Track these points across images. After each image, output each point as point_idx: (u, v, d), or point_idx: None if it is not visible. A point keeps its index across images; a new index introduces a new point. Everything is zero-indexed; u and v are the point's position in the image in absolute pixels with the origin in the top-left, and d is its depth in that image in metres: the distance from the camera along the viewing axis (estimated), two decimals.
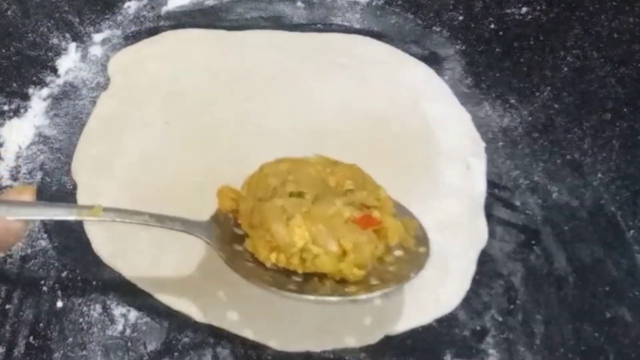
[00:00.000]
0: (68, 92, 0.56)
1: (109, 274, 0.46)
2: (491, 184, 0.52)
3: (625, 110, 0.56)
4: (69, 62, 0.59)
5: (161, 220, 0.40)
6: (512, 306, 0.45)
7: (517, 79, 0.58)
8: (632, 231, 0.49)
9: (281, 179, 0.42)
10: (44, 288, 0.45)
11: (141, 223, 0.40)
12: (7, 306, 0.44)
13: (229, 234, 0.41)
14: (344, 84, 0.54)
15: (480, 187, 0.51)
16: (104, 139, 0.53)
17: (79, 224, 0.48)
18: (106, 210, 0.39)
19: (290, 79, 0.54)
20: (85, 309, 0.44)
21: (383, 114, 0.53)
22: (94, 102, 0.55)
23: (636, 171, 0.52)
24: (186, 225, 0.41)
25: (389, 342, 0.44)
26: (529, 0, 0.64)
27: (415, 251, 0.42)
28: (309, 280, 0.39)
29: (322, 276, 0.39)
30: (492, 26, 0.62)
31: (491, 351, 0.44)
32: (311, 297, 0.38)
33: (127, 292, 0.45)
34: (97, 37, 0.61)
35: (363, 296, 0.38)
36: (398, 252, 0.42)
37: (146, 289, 0.45)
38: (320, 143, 0.50)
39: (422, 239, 0.42)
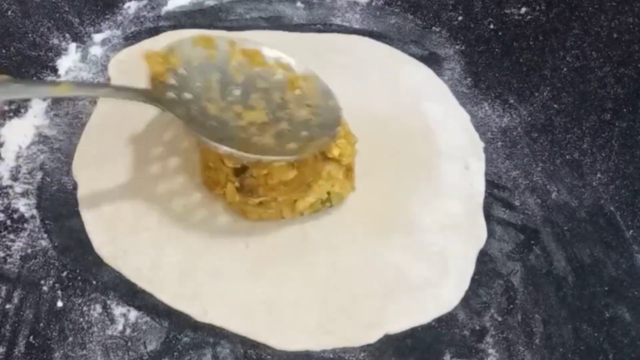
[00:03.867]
0: None
1: (109, 274, 0.46)
2: (490, 184, 0.52)
3: (625, 110, 0.56)
4: (69, 62, 0.59)
5: (119, 90, 0.44)
6: (511, 306, 0.46)
7: (517, 79, 0.58)
8: (631, 231, 0.49)
9: None
10: (44, 288, 0.45)
11: (105, 96, 0.44)
12: (7, 306, 0.44)
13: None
14: (344, 84, 0.54)
15: (479, 187, 0.51)
16: (104, 139, 0.53)
17: (79, 224, 0.48)
18: (76, 85, 0.42)
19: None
20: (85, 309, 0.44)
21: (383, 114, 0.53)
22: (94, 102, 0.55)
23: (636, 171, 0.53)
24: (142, 94, 0.44)
25: (389, 342, 0.44)
26: (529, 0, 0.64)
27: (324, 105, 0.46)
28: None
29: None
30: (492, 26, 0.62)
31: (491, 351, 0.44)
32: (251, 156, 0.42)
33: (127, 292, 0.45)
34: (97, 37, 0.61)
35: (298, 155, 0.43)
36: (304, 112, 0.46)
37: (146, 289, 0.45)
38: None
39: (327, 92, 0.47)
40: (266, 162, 0.44)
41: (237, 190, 0.46)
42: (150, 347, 0.43)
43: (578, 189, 0.52)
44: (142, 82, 0.56)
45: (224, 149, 0.42)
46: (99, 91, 0.44)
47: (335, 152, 0.48)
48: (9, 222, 0.48)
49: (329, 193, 0.47)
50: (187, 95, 0.45)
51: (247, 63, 0.47)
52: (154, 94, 0.44)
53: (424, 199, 0.50)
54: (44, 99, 0.47)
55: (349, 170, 0.49)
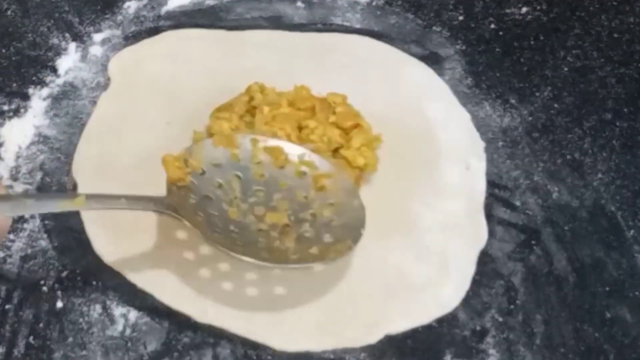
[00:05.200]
0: (68, 92, 0.56)
1: (109, 274, 0.46)
2: (491, 184, 0.52)
3: (625, 110, 0.56)
4: (69, 62, 0.58)
5: (134, 200, 0.42)
6: (512, 306, 0.45)
7: (517, 79, 0.58)
8: (632, 231, 0.49)
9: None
10: (44, 288, 0.45)
11: (121, 208, 0.41)
12: (7, 306, 0.44)
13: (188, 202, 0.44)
14: (344, 84, 0.54)
15: (480, 187, 0.51)
16: (104, 139, 0.53)
17: (79, 224, 0.48)
18: (88, 198, 0.40)
19: (290, 79, 0.54)
20: (85, 309, 0.44)
21: (383, 114, 0.53)
22: (94, 102, 0.55)
23: (636, 171, 0.53)
24: (159, 203, 0.42)
25: (389, 342, 0.44)
26: (529, 0, 0.64)
27: (349, 204, 0.45)
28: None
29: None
30: (492, 26, 0.62)
31: (491, 351, 0.44)
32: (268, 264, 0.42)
33: (127, 292, 0.45)
34: (97, 37, 0.60)
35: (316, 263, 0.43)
36: (327, 212, 0.44)
37: (146, 289, 0.45)
38: None
39: (352, 190, 0.46)
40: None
41: None
42: (150, 348, 0.43)
43: (579, 189, 0.51)
44: (141, 82, 0.56)
45: (245, 259, 0.41)
46: (114, 203, 0.41)
47: (359, 162, 0.48)
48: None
49: None
50: (207, 200, 0.44)
51: (269, 161, 0.46)
52: (171, 201, 0.42)
53: (424, 199, 0.50)
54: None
55: (359, 179, 0.49)
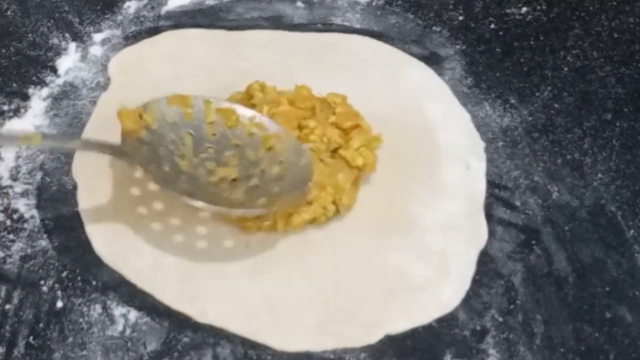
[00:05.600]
0: (68, 92, 0.56)
1: (109, 274, 0.46)
2: (491, 184, 0.52)
3: (625, 110, 0.56)
4: (69, 62, 0.58)
5: (90, 144, 0.46)
6: (512, 306, 0.45)
7: (517, 79, 0.58)
8: (632, 231, 0.49)
9: None
10: (44, 288, 0.45)
11: (75, 148, 0.46)
12: (7, 306, 0.44)
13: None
14: (344, 84, 0.54)
15: (480, 187, 0.51)
16: (104, 139, 0.52)
17: (79, 224, 0.48)
18: (45, 136, 0.43)
19: (290, 79, 0.54)
20: (85, 309, 0.44)
21: (383, 114, 0.53)
22: (94, 102, 0.55)
23: (636, 171, 0.53)
24: (113, 149, 0.45)
25: (389, 342, 0.44)
26: (529, 0, 0.64)
27: (296, 162, 0.47)
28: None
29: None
30: (492, 26, 0.62)
31: (491, 351, 0.44)
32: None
33: (127, 292, 0.45)
34: (97, 37, 0.60)
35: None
36: (276, 169, 0.47)
37: (146, 289, 0.45)
38: None
39: (299, 150, 0.48)
40: (235, 215, 0.46)
41: None
42: (150, 348, 0.43)
43: (579, 189, 0.51)
44: (141, 82, 0.56)
45: (192, 202, 0.43)
46: (69, 142, 0.46)
47: (359, 162, 0.49)
48: (8, 222, 0.48)
49: (334, 202, 0.47)
50: (160, 152, 0.46)
51: (221, 122, 0.48)
52: (125, 149, 0.45)
53: (424, 199, 0.50)
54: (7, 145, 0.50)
55: (357, 179, 0.49)
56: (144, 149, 0.45)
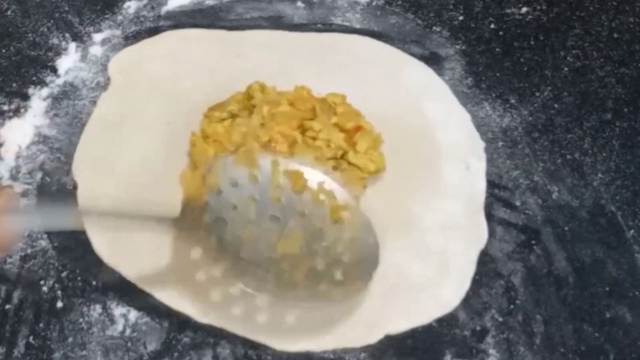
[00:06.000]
0: (68, 92, 0.56)
1: (109, 274, 0.46)
2: (491, 184, 0.52)
3: (625, 110, 0.56)
4: (69, 62, 0.58)
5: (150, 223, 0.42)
6: (512, 306, 0.46)
7: (517, 79, 0.58)
8: (632, 231, 0.49)
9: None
10: (44, 288, 0.45)
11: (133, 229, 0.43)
12: (7, 306, 0.44)
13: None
14: (344, 84, 0.54)
15: (480, 187, 0.51)
16: (104, 139, 0.53)
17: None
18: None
19: (290, 79, 0.54)
20: (85, 309, 0.44)
21: (383, 114, 0.53)
22: (94, 102, 0.55)
23: (636, 171, 0.53)
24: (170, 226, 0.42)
25: (389, 342, 0.44)
26: (529, 0, 0.64)
27: (364, 241, 0.43)
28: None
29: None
30: (492, 26, 0.62)
31: (491, 351, 0.44)
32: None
33: (127, 292, 0.45)
34: (97, 37, 0.60)
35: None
36: (341, 246, 0.43)
37: (146, 289, 0.45)
38: None
39: (368, 226, 0.44)
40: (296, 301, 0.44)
41: None
42: (150, 348, 0.43)
43: (579, 189, 0.51)
44: (141, 82, 0.56)
45: (251, 291, 0.42)
46: (130, 215, 0.42)
47: (371, 168, 0.49)
48: None
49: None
50: (222, 220, 0.43)
51: (288, 185, 0.44)
52: (184, 222, 0.42)
53: (424, 199, 0.50)
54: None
55: (365, 187, 0.49)
56: (204, 219, 0.42)
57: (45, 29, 0.60)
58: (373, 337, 0.44)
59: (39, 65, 0.58)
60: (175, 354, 0.43)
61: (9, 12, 0.60)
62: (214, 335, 0.43)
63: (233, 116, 0.51)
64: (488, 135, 0.55)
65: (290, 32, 0.61)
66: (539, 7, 0.63)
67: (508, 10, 0.63)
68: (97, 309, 0.44)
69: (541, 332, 0.44)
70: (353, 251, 0.43)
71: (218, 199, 0.43)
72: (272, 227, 0.43)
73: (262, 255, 0.43)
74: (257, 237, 0.43)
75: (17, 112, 0.54)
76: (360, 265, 0.42)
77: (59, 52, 0.59)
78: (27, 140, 0.53)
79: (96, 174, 0.50)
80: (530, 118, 0.56)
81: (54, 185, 0.50)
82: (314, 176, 0.44)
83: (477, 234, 0.49)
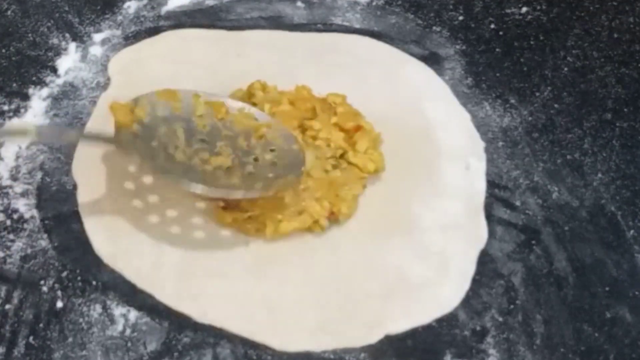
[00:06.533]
0: (68, 92, 0.56)
1: (109, 274, 0.46)
2: (491, 184, 0.52)
3: (625, 110, 0.56)
4: (69, 62, 0.58)
5: (85, 136, 0.47)
6: (512, 306, 0.45)
7: (517, 79, 0.58)
8: (632, 231, 0.49)
9: None
10: (44, 288, 0.45)
11: (71, 140, 0.48)
12: (7, 306, 0.44)
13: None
14: (344, 84, 0.54)
15: (480, 187, 0.51)
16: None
17: (79, 224, 0.48)
18: (41, 130, 0.44)
19: (290, 79, 0.54)
20: (85, 309, 0.44)
21: (383, 114, 0.53)
22: (94, 102, 0.55)
23: (636, 171, 0.53)
24: (107, 140, 0.46)
25: (389, 342, 0.44)
26: (529, 0, 0.64)
27: (288, 149, 0.48)
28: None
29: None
30: (492, 26, 0.62)
31: (491, 351, 0.44)
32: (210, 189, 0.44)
33: (127, 292, 0.45)
34: (97, 37, 0.60)
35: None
36: (268, 156, 0.48)
37: (146, 289, 0.45)
38: None
39: (290, 136, 0.49)
40: (233, 199, 0.47)
41: (223, 209, 0.47)
42: (150, 348, 0.43)
43: (579, 189, 0.51)
44: (141, 82, 0.56)
45: (192, 188, 0.44)
46: (65, 136, 0.48)
47: (370, 168, 0.49)
48: (8, 222, 0.48)
49: (333, 213, 0.47)
50: (153, 144, 0.46)
51: (211, 114, 0.49)
52: (120, 139, 0.45)
53: (424, 199, 0.50)
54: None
55: (364, 185, 0.50)
56: (138, 142, 0.46)
57: (45, 29, 0.60)
58: (373, 337, 0.44)
59: (39, 65, 0.58)
60: (175, 354, 0.43)
61: (9, 12, 0.60)
62: (214, 335, 0.43)
63: None
64: (488, 135, 0.55)
65: (290, 32, 0.61)
66: (539, 7, 0.63)
67: (508, 10, 0.63)
68: (97, 309, 0.44)
69: (541, 332, 0.44)
70: (280, 158, 0.48)
71: (147, 127, 0.47)
72: (202, 147, 0.48)
73: (196, 169, 0.46)
74: (189, 156, 0.47)
75: (17, 112, 0.54)
76: (289, 166, 0.47)
77: (59, 52, 0.59)
78: (27, 140, 0.53)
79: (96, 174, 0.50)
80: (530, 118, 0.56)
81: (54, 185, 0.50)
82: (233, 104, 0.50)
83: (477, 234, 0.49)
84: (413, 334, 0.44)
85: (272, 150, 0.48)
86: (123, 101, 0.47)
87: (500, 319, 0.45)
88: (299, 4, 0.64)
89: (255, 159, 0.48)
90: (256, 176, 0.47)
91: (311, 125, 0.50)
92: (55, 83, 0.57)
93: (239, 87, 0.53)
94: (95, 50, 0.60)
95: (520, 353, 0.43)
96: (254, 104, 0.51)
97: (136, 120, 0.47)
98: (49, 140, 0.48)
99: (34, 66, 0.57)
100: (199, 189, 0.44)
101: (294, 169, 0.47)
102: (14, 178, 0.51)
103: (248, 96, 0.52)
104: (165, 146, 0.47)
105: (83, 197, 0.49)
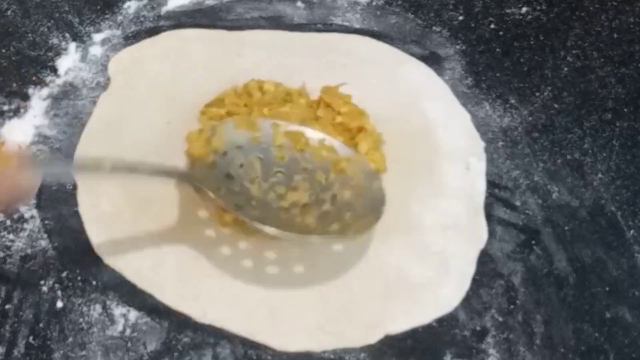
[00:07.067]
0: (68, 92, 0.56)
1: (109, 274, 0.46)
2: (491, 184, 0.52)
3: (625, 110, 0.56)
4: (69, 62, 0.58)
5: (160, 172, 0.44)
6: (512, 306, 0.45)
7: (517, 79, 0.58)
8: (632, 231, 0.49)
9: None
10: (44, 288, 0.45)
11: (144, 173, 0.43)
12: (7, 306, 0.44)
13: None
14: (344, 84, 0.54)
15: (480, 187, 0.51)
16: (104, 139, 0.53)
17: (79, 224, 0.48)
18: (114, 164, 0.41)
19: (290, 79, 0.54)
20: (85, 309, 0.44)
21: (383, 114, 0.53)
22: (94, 102, 0.55)
23: (636, 171, 0.53)
24: (184, 176, 0.44)
25: (390, 342, 0.44)
26: (529, 0, 0.64)
27: (369, 186, 0.45)
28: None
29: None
30: (492, 26, 0.62)
31: (491, 351, 0.44)
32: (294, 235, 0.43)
33: (127, 292, 0.45)
34: (97, 37, 0.60)
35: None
36: (347, 193, 0.45)
37: (146, 289, 0.45)
38: None
39: (371, 173, 0.47)
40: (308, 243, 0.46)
41: (223, 209, 0.46)
42: (150, 348, 0.43)
43: (579, 189, 0.51)
44: (141, 82, 0.56)
45: (264, 228, 0.42)
46: (137, 170, 0.43)
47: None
48: (8, 222, 0.48)
49: None
50: (230, 177, 0.45)
51: (290, 145, 0.47)
52: (194, 175, 0.44)
53: (424, 199, 0.50)
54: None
55: None
56: (213, 174, 0.45)
57: (45, 29, 0.60)
58: (373, 337, 0.44)
59: (39, 65, 0.58)
60: (175, 354, 0.43)
61: (9, 12, 0.60)
62: (214, 335, 0.43)
63: (230, 114, 0.51)
64: (488, 135, 0.55)
65: (290, 32, 0.61)
66: (539, 7, 0.63)
67: (508, 10, 0.63)
68: (97, 309, 0.44)
69: (541, 332, 0.44)
70: (359, 196, 0.45)
71: (224, 159, 0.46)
72: (279, 181, 0.46)
73: (271, 206, 0.45)
74: (265, 190, 0.46)
75: (17, 112, 0.54)
76: (368, 207, 0.45)
77: (59, 52, 0.59)
78: (27, 140, 0.53)
79: (96, 174, 0.50)
80: (530, 118, 0.56)
81: (54, 185, 0.50)
82: (314, 134, 0.48)
83: (477, 234, 0.49)
84: (413, 334, 0.44)
85: (351, 187, 0.46)
86: (197, 130, 0.46)
87: (500, 319, 0.45)
88: (299, 4, 0.64)
89: (334, 196, 0.45)
90: (332, 216, 0.44)
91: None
92: (55, 83, 0.57)
93: (238, 86, 0.53)
94: (95, 50, 0.60)
95: (520, 353, 0.43)
96: (250, 96, 0.51)
97: (212, 150, 0.45)
98: (123, 174, 0.43)
99: (34, 66, 0.57)
100: (272, 230, 0.42)
101: (373, 209, 0.44)
102: None
103: (247, 95, 0.52)
104: (241, 179, 0.45)
105: (83, 197, 0.49)
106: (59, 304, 0.44)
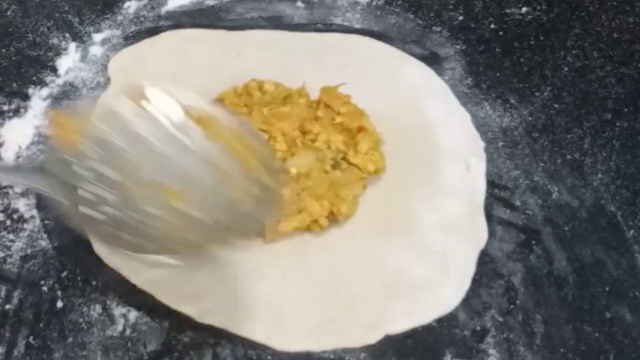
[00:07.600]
0: (68, 92, 0.56)
1: (109, 274, 0.46)
2: (491, 184, 0.52)
3: (625, 110, 0.56)
4: (69, 62, 0.58)
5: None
6: (512, 306, 0.45)
7: (517, 79, 0.58)
8: (632, 231, 0.49)
9: None
10: (44, 288, 0.45)
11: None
12: (7, 306, 0.44)
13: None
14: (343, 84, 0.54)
15: (480, 187, 0.51)
16: None
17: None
18: None
19: (290, 79, 0.54)
20: (85, 309, 0.44)
21: (383, 113, 0.53)
22: (93, 102, 0.55)
23: (636, 171, 0.53)
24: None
25: (389, 342, 0.44)
26: (529, 0, 0.64)
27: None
28: None
29: None
30: (492, 26, 0.62)
31: (491, 351, 0.44)
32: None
33: (127, 292, 0.45)
34: (97, 37, 0.60)
35: None
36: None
37: (146, 289, 0.45)
38: None
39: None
40: None
41: None
42: (150, 348, 0.43)
43: (579, 189, 0.51)
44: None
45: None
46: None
47: (370, 168, 0.49)
48: (8, 222, 0.48)
49: (332, 213, 0.47)
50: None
51: None
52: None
53: (424, 199, 0.50)
54: None
55: (365, 186, 0.49)
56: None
57: (45, 29, 0.60)
58: (373, 337, 0.44)
59: (39, 65, 0.58)
60: (175, 354, 0.43)
61: (9, 12, 0.60)
62: (214, 335, 0.43)
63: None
64: (488, 135, 0.55)
65: (290, 32, 0.61)
66: (539, 7, 0.63)
67: (508, 10, 0.63)
68: (97, 309, 0.44)
69: (541, 332, 0.44)
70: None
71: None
72: None
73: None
74: None
75: (17, 112, 0.54)
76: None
77: (59, 52, 0.59)
78: (27, 140, 0.53)
79: None
80: (530, 118, 0.56)
81: None
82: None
83: (477, 234, 0.49)
84: (413, 334, 0.44)
85: None
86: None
87: (500, 319, 0.45)
88: (299, 4, 0.64)
89: None
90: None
91: (311, 129, 0.50)
92: (55, 83, 0.57)
93: (239, 86, 0.53)
94: (95, 50, 0.60)
95: (520, 353, 0.43)
96: (249, 95, 0.51)
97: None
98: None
99: (34, 66, 0.57)
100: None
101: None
102: None
103: (247, 95, 0.52)
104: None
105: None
106: (59, 304, 0.44)
